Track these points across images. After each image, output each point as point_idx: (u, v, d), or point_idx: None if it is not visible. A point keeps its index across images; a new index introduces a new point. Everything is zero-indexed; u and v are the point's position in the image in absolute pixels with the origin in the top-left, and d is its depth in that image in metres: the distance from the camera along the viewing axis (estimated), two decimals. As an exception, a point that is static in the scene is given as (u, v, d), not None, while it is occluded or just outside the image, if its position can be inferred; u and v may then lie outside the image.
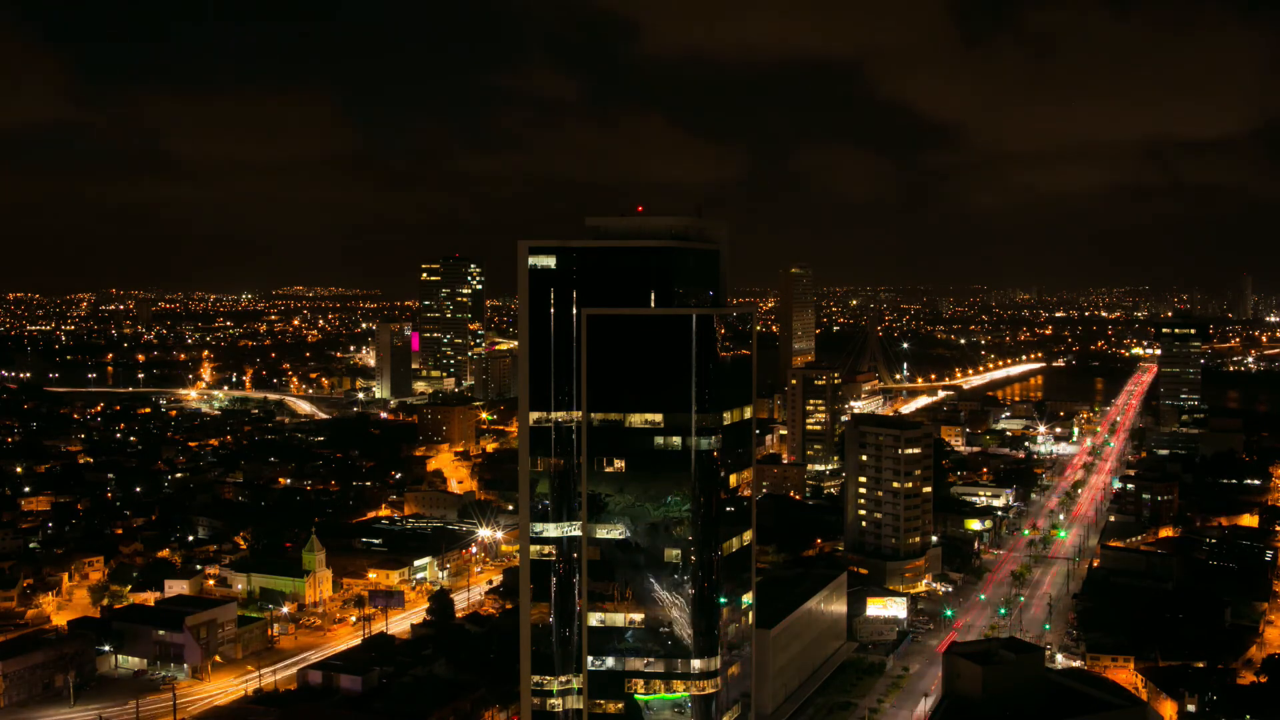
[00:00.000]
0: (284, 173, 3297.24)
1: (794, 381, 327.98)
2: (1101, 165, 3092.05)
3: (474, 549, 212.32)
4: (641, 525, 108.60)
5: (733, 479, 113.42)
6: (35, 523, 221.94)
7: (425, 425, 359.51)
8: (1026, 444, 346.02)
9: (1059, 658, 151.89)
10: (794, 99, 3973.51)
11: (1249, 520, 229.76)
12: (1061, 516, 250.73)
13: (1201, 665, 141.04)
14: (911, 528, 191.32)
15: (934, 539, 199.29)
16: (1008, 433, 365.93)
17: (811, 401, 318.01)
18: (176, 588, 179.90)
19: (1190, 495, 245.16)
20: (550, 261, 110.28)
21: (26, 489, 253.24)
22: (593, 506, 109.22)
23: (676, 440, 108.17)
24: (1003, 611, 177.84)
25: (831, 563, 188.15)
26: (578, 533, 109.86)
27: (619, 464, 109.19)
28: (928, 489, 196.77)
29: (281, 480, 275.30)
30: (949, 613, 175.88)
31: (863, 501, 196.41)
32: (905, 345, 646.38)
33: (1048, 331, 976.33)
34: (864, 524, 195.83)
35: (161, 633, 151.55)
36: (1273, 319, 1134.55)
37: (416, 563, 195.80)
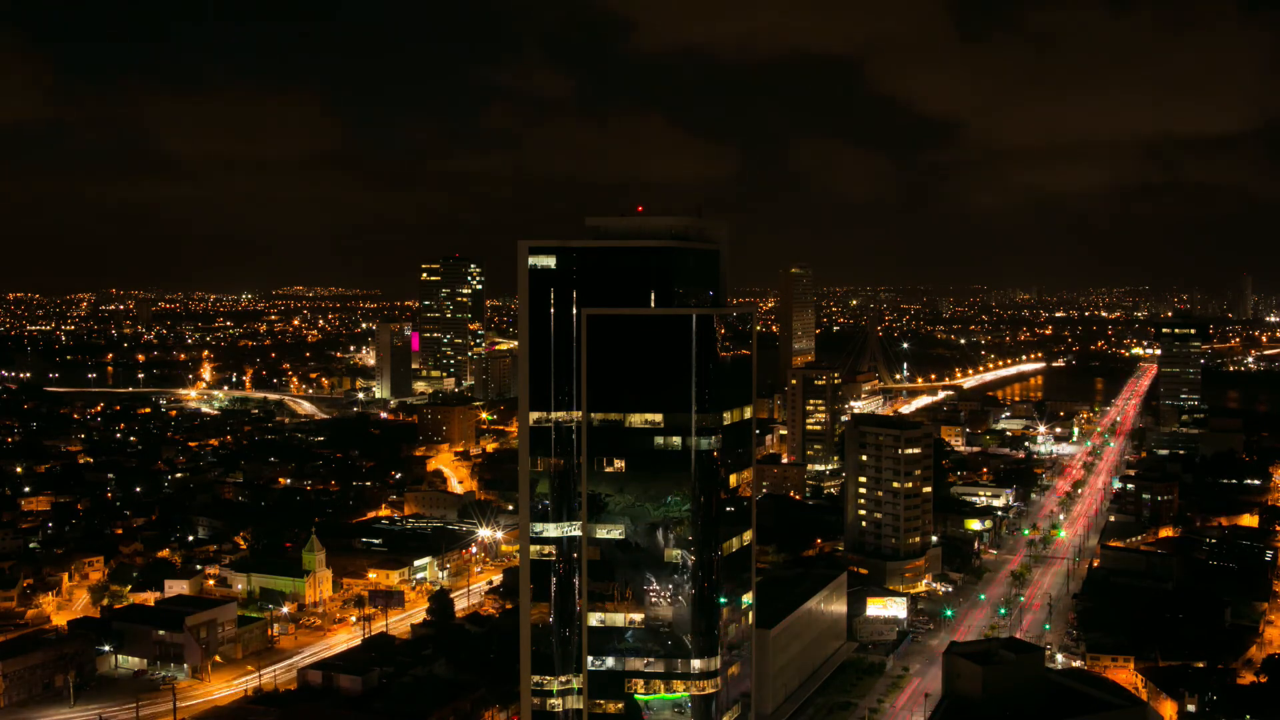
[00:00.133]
0: (280, 172, 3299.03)
1: (794, 381, 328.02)
2: (1101, 164, 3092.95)
3: (474, 549, 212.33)
4: (641, 525, 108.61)
5: (733, 479, 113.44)
6: (35, 523, 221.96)
7: (425, 425, 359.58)
8: (1026, 444, 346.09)
9: (1059, 658, 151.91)
10: (792, 96, 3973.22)
11: (1249, 520, 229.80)
12: (1061, 516, 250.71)
13: (1201, 665, 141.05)
14: (911, 528, 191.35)
15: (934, 539, 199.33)
16: (1008, 433, 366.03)
17: (811, 401, 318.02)
18: (176, 588, 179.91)
19: (1190, 495, 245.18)
20: (550, 261, 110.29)
21: (26, 489, 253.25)
22: (593, 506, 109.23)
23: (676, 440, 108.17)
24: (1003, 611, 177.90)
25: (831, 563, 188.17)
26: (578, 533, 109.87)
27: (619, 464, 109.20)
28: (928, 489, 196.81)
29: (281, 480, 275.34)
30: (949, 613, 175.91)
31: (863, 501, 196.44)
32: (905, 345, 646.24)
33: (1048, 331, 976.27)
34: (864, 524, 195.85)
35: (161, 633, 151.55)
36: (1273, 319, 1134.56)
37: (416, 563, 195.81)
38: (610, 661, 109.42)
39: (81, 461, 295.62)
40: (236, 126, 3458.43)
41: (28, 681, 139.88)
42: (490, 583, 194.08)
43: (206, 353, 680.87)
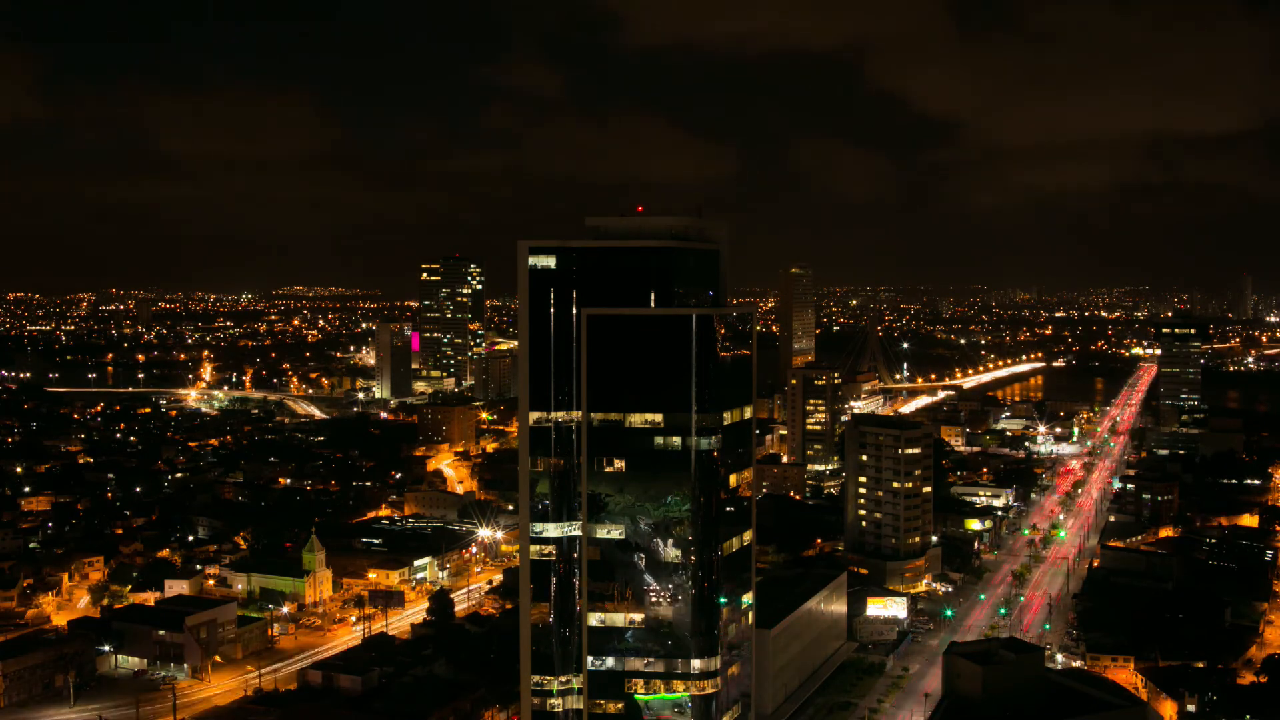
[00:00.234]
0: (279, 172, 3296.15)
1: (794, 381, 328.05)
2: (1101, 163, 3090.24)
3: (474, 549, 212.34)
4: (641, 525, 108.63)
5: (733, 479, 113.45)
6: (35, 523, 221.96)
7: (425, 425, 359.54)
8: (1026, 444, 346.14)
9: (1059, 658, 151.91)
10: (791, 95, 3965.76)
11: (1249, 520, 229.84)
12: (1061, 516, 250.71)
13: (1201, 665, 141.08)
14: (911, 528, 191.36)
15: (934, 539, 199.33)
16: (1008, 433, 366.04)
17: (811, 401, 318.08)
18: (176, 588, 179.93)
19: (1190, 495, 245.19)
20: (550, 261, 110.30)
21: (26, 489, 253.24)
22: (593, 506, 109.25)
23: (676, 440, 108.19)
24: (1003, 611, 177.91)
25: (831, 563, 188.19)
26: (578, 533, 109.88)
27: (619, 464, 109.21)
28: (928, 489, 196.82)
29: (281, 480, 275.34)
30: (949, 613, 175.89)
31: (863, 501, 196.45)
32: (905, 345, 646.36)
33: (1048, 331, 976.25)
34: (864, 524, 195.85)
35: (161, 633, 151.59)
36: (1273, 319, 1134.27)
37: (416, 563, 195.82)
38: (610, 661, 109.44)
39: (81, 461, 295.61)
40: (236, 126, 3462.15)
41: (28, 681, 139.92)
42: (490, 583, 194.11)
43: (206, 353, 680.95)
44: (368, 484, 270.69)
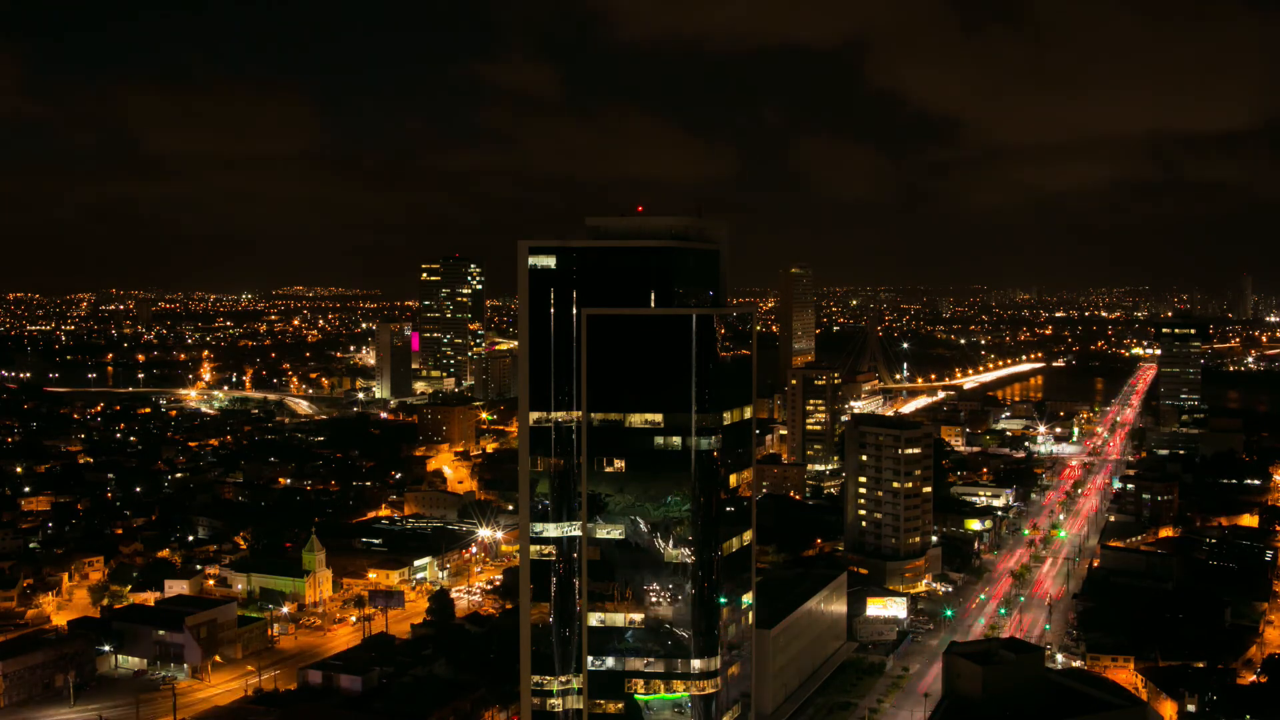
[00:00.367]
0: (270, 169, 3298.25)
1: (794, 381, 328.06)
2: (1102, 162, 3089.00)
3: (474, 549, 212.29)
4: (641, 525, 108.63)
5: (733, 479, 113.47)
6: (35, 523, 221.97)
7: (425, 425, 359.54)
8: (1026, 444, 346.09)
9: (1059, 658, 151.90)
10: (788, 91, 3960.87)
11: (1249, 520, 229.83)
12: (1061, 516, 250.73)
13: (1201, 665, 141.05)
14: (911, 528, 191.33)
15: (934, 539, 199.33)
16: (1008, 433, 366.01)
17: (811, 401, 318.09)
18: (176, 588, 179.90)
19: (1190, 495, 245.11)
20: (550, 261, 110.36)
21: (26, 489, 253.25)
22: (593, 506, 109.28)
23: (676, 440, 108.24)
24: (1003, 611, 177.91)
25: (831, 563, 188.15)
26: (578, 533, 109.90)
27: (619, 464, 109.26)
28: (928, 489, 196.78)
29: (281, 480, 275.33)
30: (949, 613, 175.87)
31: (863, 501, 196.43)
32: (905, 345, 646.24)
33: (1048, 331, 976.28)
34: (864, 524, 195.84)
35: (161, 633, 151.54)
36: (1273, 319, 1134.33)
37: (416, 563, 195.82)
38: (610, 661, 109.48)
39: (81, 461, 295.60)
40: (226, 124, 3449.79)
41: (28, 681, 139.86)
42: (490, 583, 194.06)
43: (206, 353, 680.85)
44: (368, 484, 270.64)
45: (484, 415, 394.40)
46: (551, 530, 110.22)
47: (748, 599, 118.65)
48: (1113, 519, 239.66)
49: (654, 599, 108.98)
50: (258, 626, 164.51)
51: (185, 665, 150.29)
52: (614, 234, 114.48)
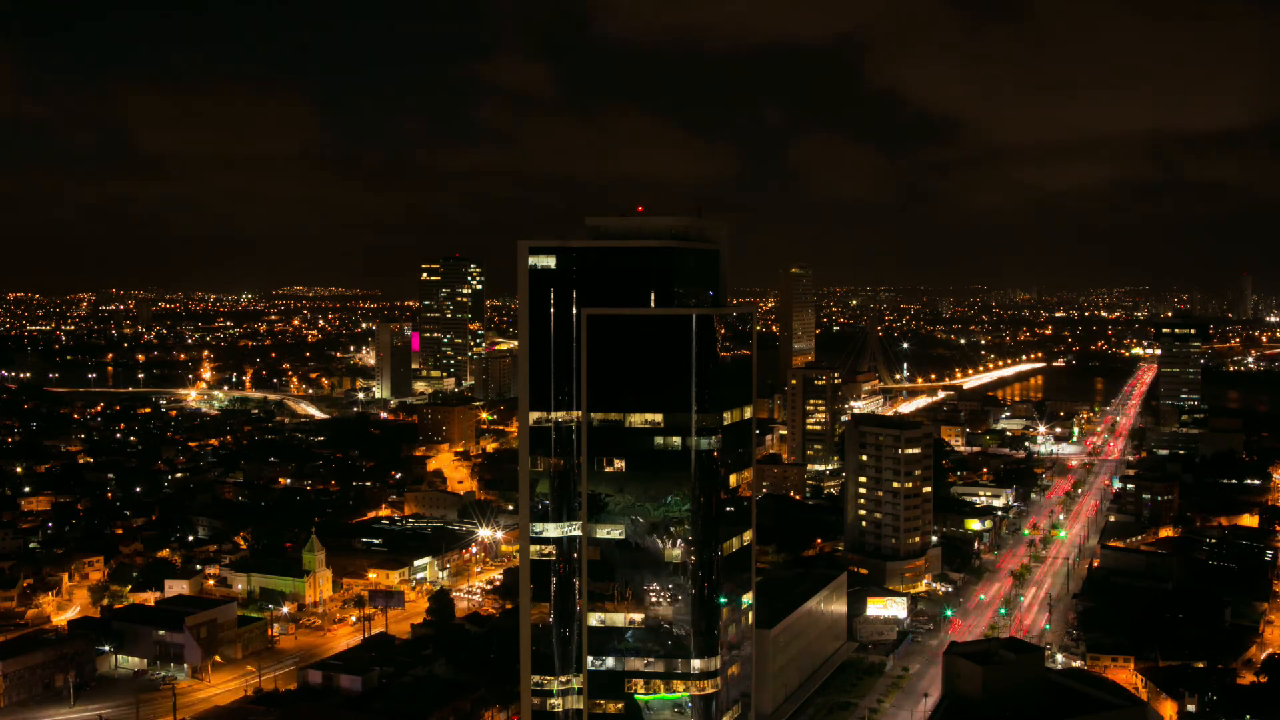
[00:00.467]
0: (267, 169, 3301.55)
1: (794, 381, 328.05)
2: (1102, 162, 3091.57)
3: (474, 549, 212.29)
4: (641, 525, 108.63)
5: (733, 479, 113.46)
6: (35, 523, 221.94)
7: (425, 425, 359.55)
8: (1026, 444, 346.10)
9: (1059, 658, 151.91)
10: (788, 90, 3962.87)
11: (1249, 520, 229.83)
12: (1061, 516, 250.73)
13: (1201, 665, 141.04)
14: (911, 528, 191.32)
15: (934, 539, 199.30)
16: (1008, 433, 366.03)
17: (811, 401, 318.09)
18: (176, 588, 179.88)
19: (1190, 495, 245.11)
20: (550, 261, 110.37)
21: (26, 489, 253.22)
22: (593, 506, 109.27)
23: (676, 440, 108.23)
24: (1003, 611, 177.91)
25: (831, 563, 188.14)
26: (578, 533, 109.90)
27: (619, 464, 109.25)
28: (928, 489, 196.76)
29: (281, 480, 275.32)
30: (949, 613, 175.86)
31: (863, 501, 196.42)
32: (905, 345, 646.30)
33: (1048, 331, 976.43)
34: (864, 524, 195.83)
35: (161, 633, 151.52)
36: (1273, 319, 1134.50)
37: (416, 563, 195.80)
38: (610, 661, 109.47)
39: (81, 461, 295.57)
40: (222, 123, 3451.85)
41: (28, 681, 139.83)
42: (490, 583, 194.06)
43: (206, 353, 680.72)
44: (368, 484, 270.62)
45: (484, 415, 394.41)
46: (551, 530, 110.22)
47: (748, 599, 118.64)
48: (1113, 519, 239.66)
49: (654, 599, 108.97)
50: (258, 626, 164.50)
51: (185, 665, 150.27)
52: (614, 234, 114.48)
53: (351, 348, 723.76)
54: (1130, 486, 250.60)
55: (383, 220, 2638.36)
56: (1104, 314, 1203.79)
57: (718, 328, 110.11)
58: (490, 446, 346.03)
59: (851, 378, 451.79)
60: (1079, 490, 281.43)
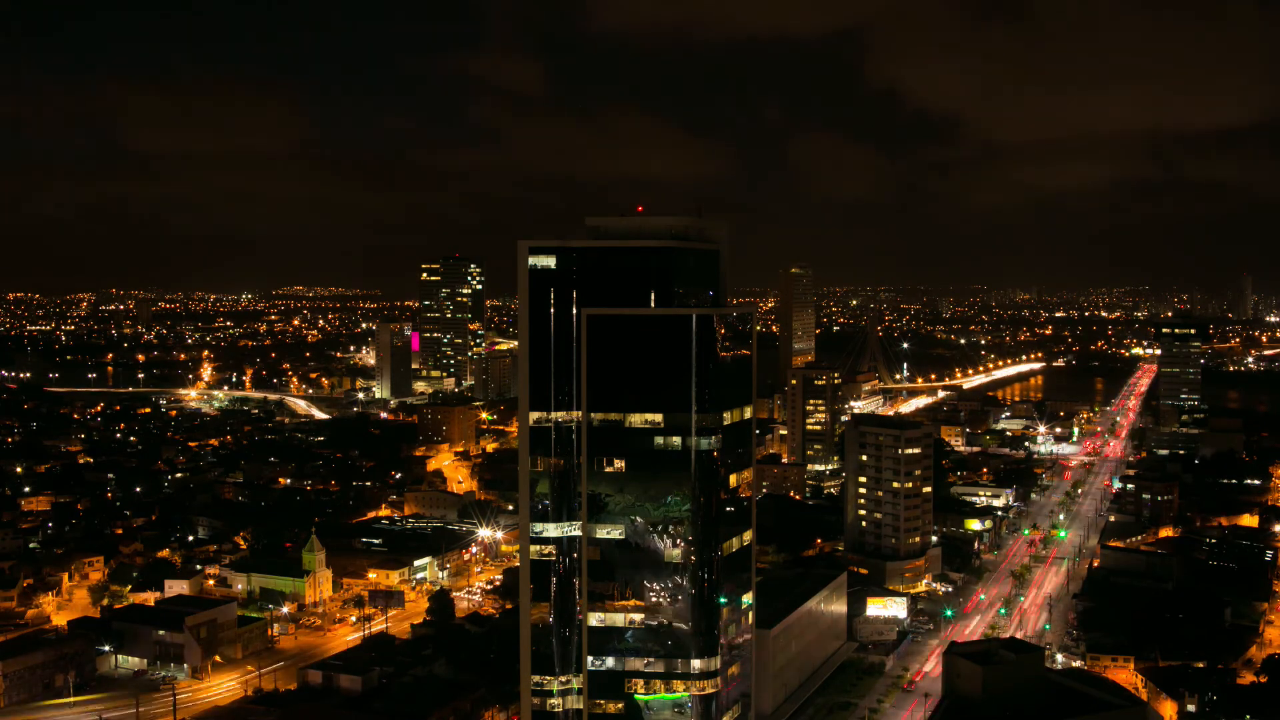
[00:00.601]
0: (268, 169, 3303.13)
1: (794, 381, 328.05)
2: (1103, 160, 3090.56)
3: (474, 549, 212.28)
4: (641, 525, 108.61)
5: (733, 479, 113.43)
6: (35, 523, 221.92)
7: (425, 425, 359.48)
8: (1026, 444, 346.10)
9: (1059, 658, 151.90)
10: (788, 89, 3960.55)
11: (1249, 520, 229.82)
12: (1061, 516, 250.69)
13: (1201, 665, 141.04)
14: (911, 528, 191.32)
15: (934, 539, 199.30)
16: (1008, 433, 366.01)
17: (811, 401, 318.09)
18: (176, 588, 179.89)
19: (1190, 495, 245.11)
20: (550, 261, 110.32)
21: (26, 489, 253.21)
22: (593, 506, 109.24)
23: (676, 440, 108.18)
24: (1003, 611, 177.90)
25: (831, 563, 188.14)
26: (578, 533, 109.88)
27: (619, 464, 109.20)
28: (928, 489, 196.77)
29: (281, 480, 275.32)
30: (949, 613, 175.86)
31: (863, 501, 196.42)
32: (905, 345, 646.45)
33: (1048, 331, 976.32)
34: (864, 524, 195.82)
35: (161, 633, 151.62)
36: (1273, 319, 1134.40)
37: (416, 563, 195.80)
38: (610, 661, 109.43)
39: (81, 461, 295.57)
40: (213, 122, 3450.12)
41: (28, 681, 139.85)
42: (490, 583, 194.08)
43: (206, 353, 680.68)
44: (368, 484, 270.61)
45: (484, 415, 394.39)
46: (551, 530, 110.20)
47: (748, 599, 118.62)
48: (1113, 519, 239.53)
49: (654, 599, 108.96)
50: (258, 626, 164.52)
51: (185, 665, 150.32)
52: (614, 234, 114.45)
53: (351, 348, 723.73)
54: (1130, 486, 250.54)
55: (383, 220, 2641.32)
56: (1104, 314, 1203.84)
57: (718, 328, 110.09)
58: (490, 446, 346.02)
59: (851, 378, 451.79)
60: (1079, 490, 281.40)
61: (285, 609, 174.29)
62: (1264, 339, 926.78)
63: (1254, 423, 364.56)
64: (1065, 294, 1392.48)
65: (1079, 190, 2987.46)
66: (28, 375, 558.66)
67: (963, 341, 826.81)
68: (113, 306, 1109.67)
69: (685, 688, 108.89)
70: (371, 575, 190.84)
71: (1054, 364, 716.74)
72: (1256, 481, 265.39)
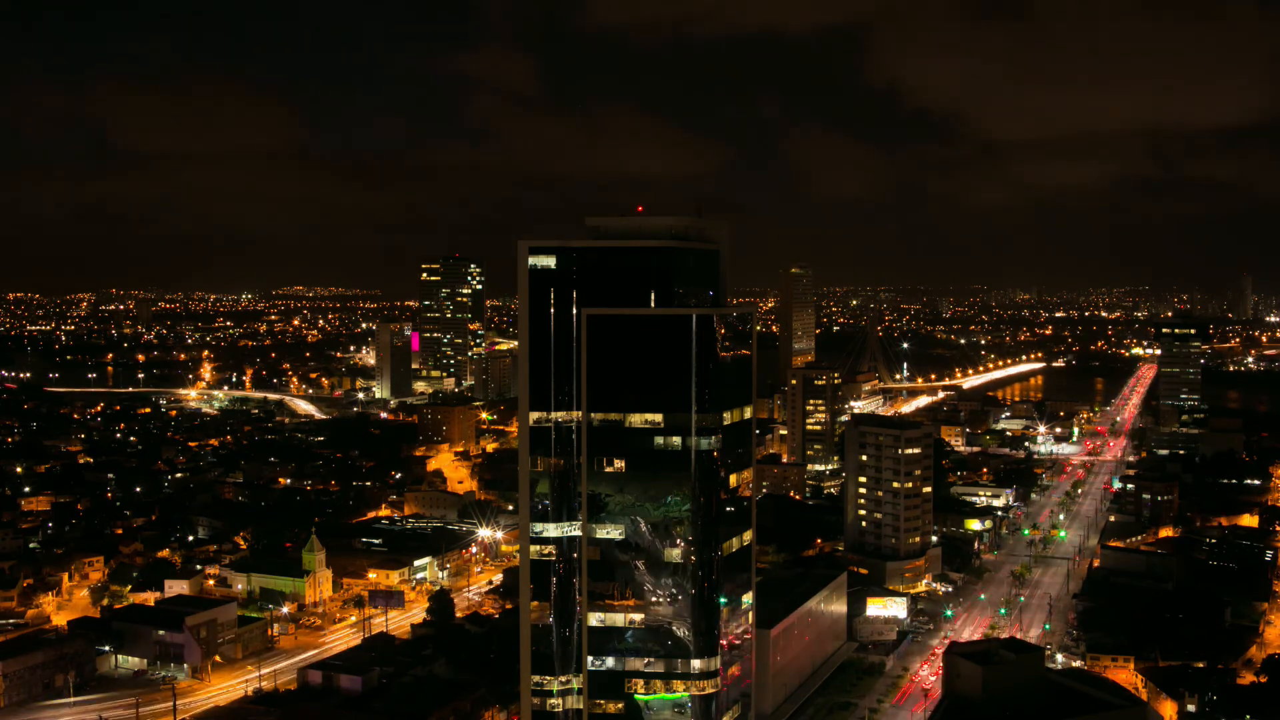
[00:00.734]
0: (267, 169, 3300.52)
1: (794, 381, 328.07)
2: (1103, 159, 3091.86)
3: (474, 549, 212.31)
4: (641, 525, 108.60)
5: (733, 479, 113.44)
6: (35, 523, 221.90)
7: (425, 425, 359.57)
8: (1026, 444, 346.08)
9: (1059, 658, 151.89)
10: (786, 84, 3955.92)
11: (1249, 520, 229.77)
12: (1061, 516, 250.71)
13: (1201, 665, 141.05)
14: (911, 528, 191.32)
15: (934, 539, 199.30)
16: (1008, 433, 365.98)
17: (811, 401, 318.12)
18: (176, 588, 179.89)
19: (1190, 495, 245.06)
20: (550, 261, 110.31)
21: (26, 489, 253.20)
22: (593, 506, 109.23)
23: (676, 440, 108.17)
24: (1003, 611, 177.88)
25: (831, 563, 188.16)
26: (578, 533, 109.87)
27: (619, 464, 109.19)
28: (928, 489, 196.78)
29: (281, 480, 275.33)
30: (949, 613, 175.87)
31: (863, 501, 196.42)
32: (905, 345, 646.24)
33: (1048, 331, 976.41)
34: (864, 524, 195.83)
35: (161, 633, 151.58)
36: (1273, 319, 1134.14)
37: (416, 563, 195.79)
38: (610, 661, 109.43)
39: (81, 461, 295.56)
40: (204, 121, 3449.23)
41: (28, 681, 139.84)
42: (490, 583, 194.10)
43: (206, 353, 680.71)
44: (368, 484, 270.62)
45: (484, 415, 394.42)
46: (551, 530, 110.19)
47: (748, 599, 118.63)
48: (1113, 519, 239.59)
49: (654, 599, 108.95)
50: (258, 626, 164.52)
51: (185, 665, 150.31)
52: (614, 234, 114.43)
53: (351, 348, 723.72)
54: (1130, 486, 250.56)
55: (382, 220, 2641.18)
56: (1104, 314, 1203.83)
57: (718, 328, 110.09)
58: (490, 446, 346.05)
59: (851, 378, 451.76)
60: (1079, 490, 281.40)
61: (285, 609, 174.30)
62: (1264, 339, 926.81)
63: (1254, 423, 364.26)
64: (1065, 294, 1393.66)
65: (1079, 189, 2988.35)
66: (28, 375, 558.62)
67: (963, 341, 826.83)
68: (113, 306, 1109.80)
69: (685, 688, 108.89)
70: (371, 575, 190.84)
71: (1054, 364, 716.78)
72: (1256, 481, 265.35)
